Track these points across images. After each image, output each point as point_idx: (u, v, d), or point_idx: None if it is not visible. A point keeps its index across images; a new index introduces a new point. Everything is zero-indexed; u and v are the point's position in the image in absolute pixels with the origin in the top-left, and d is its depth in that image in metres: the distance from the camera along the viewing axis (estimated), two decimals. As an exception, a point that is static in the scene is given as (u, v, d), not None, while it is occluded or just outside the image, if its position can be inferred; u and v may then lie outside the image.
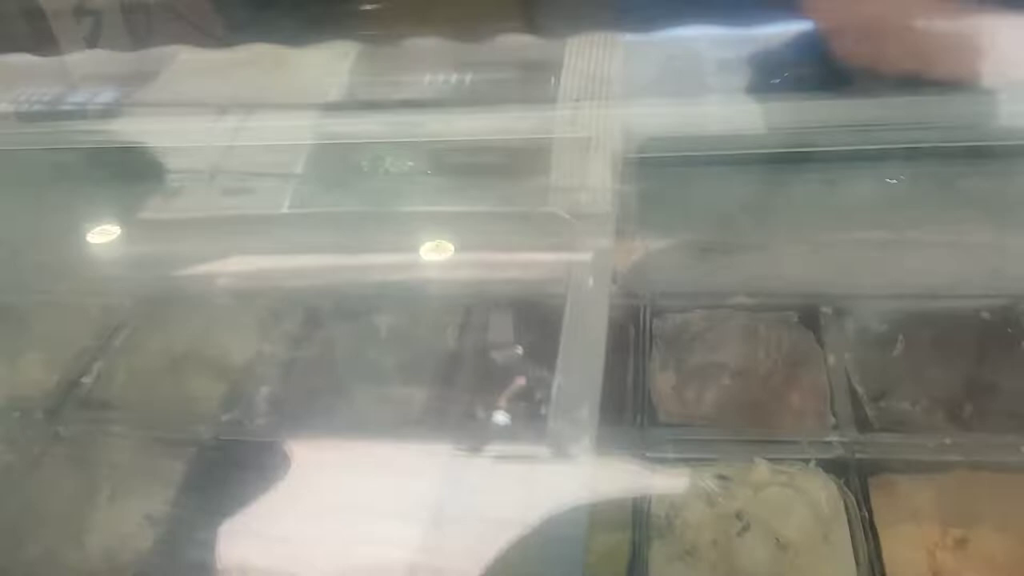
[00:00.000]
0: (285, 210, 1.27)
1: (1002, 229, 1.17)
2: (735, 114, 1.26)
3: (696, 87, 1.30)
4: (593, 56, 1.34)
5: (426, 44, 1.41)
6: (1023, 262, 1.18)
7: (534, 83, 1.33)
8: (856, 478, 1.01)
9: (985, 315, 1.21)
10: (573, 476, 0.77)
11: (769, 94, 1.26)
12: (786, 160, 1.23)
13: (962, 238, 1.19)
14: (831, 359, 1.16)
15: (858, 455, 1.03)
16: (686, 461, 1.06)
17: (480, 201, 1.25)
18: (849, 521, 0.96)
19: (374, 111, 1.33)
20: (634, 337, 1.25)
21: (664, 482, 1.02)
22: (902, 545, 1.07)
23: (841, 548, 0.93)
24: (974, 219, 1.17)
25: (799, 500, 0.95)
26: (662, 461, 1.06)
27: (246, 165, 1.34)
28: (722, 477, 1.03)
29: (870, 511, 0.98)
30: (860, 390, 1.13)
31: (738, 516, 0.94)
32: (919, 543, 1.08)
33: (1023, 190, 1.13)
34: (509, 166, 1.25)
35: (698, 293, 1.28)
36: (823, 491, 0.97)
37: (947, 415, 1.32)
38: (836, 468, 1.03)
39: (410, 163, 1.24)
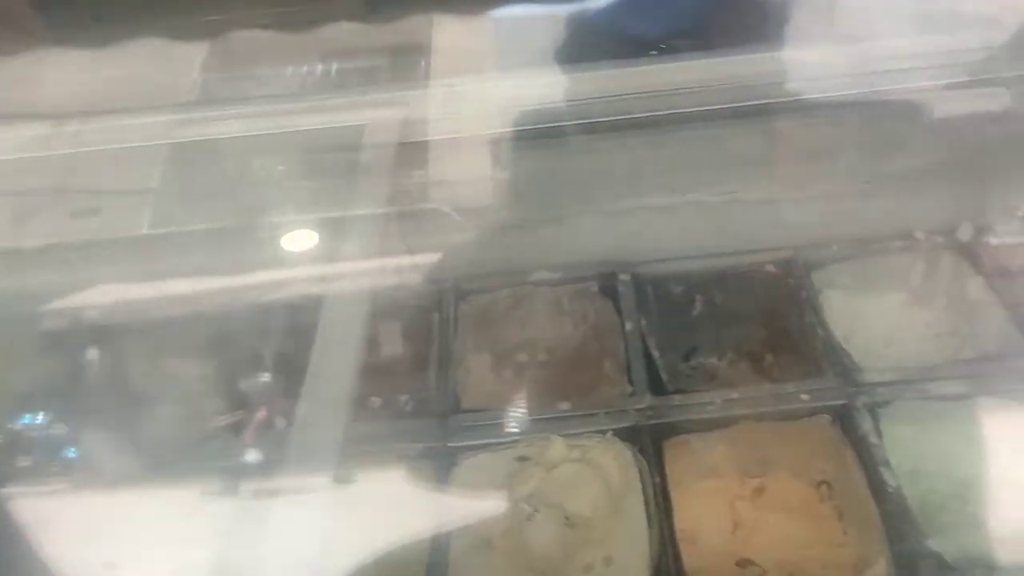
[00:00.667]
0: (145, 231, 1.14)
1: (777, 183, 1.21)
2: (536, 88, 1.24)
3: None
4: (461, 35, 1.28)
5: (270, 36, 1.30)
6: (798, 214, 1.23)
7: (404, 68, 1.26)
8: (650, 444, 1.03)
9: (770, 268, 1.26)
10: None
11: (565, 67, 1.26)
12: (577, 131, 1.23)
13: (742, 196, 1.22)
14: (628, 326, 1.18)
15: (652, 421, 1.05)
16: (487, 446, 1.05)
17: (358, 203, 1.18)
18: (643, 487, 0.98)
19: (235, 106, 1.19)
20: (439, 323, 1.24)
21: (462, 473, 1.02)
22: (703, 500, 1.11)
23: (634, 516, 0.95)
24: (751, 176, 1.21)
25: (590, 474, 0.96)
26: (463, 450, 1.05)
27: (95, 181, 1.20)
28: (522, 458, 1.03)
29: (663, 475, 1.01)
30: (656, 354, 1.15)
31: (528, 501, 0.95)
32: (720, 496, 1.12)
33: (792, 145, 1.17)
34: (386, 162, 1.18)
35: (500, 272, 1.28)
36: (615, 461, 0.98)
37: (751, 367, 1.38)
38: (632, 436, 1.04)
39: (280, 167, 1.12)
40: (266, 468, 0.80)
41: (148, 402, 0.83)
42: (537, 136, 1.20)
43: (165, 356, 0.86)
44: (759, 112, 1.17)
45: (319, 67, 1.29)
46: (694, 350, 1.38)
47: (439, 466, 1.04)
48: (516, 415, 1.08)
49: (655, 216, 1.23)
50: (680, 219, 1.23)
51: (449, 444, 1.05)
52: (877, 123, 1.15)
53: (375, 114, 1.10)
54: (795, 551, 1.07)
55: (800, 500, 1.10)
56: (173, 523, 0.71)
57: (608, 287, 1.26)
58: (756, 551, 1.08)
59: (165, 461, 0.76)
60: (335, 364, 0.80)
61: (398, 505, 0.88)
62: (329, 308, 0.81)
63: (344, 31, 1.29)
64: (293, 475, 0.69)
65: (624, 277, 1.25)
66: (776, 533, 1.09)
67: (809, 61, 1.09)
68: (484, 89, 1.18)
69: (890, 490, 0.93)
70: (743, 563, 1.06)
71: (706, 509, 1.10)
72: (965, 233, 1.22)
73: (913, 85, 1.13)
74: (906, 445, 1.02)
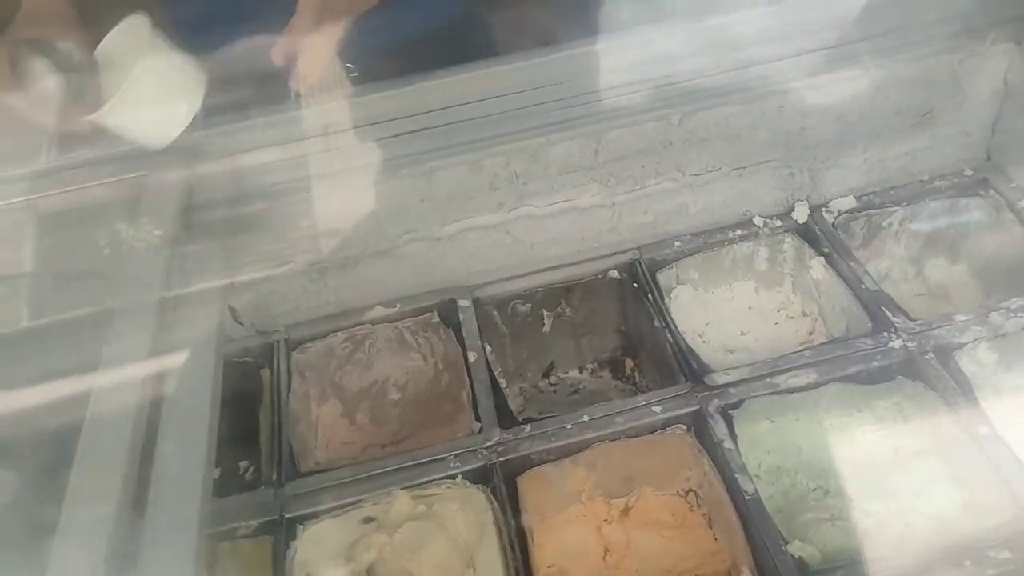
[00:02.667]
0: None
1: (609, 188, 1.17)
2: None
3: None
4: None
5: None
6: (632, 215, 1.19)
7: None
8: (502, 482, 0.96)
9: (615, 274, 1.22)
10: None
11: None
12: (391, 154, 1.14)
13: (573, 203, 1.17)
14: (472, 357, 1.11)
15: (503, 457, 0.98)
16: (329, 511, 0.97)
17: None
18: (498, 534, 0.91)
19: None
20: (270, 380, 1.14)
21: (303, 546, 0.93)
22: (569, 530, 1.05)
23: (488, 566, 0.88)
24: (582, 183, 1.16)
25: (435, 531, 0.89)
26: (303, 518, 0.96)
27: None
28: (368, 519, 0.95)
29: (519, 512, 0.94)
30: (503, 383, 1.09)
31: (369, 572, 0.87)
32: (586, 523, 1.06)
33: (616, 146, 1.13)
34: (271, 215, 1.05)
35: (333, 315, 1.19)
36: (462, 512, 0.91)
37: (613, 375, 1.34)
38: (483, 476, 0.98)
39: (157, 231, 0.94)
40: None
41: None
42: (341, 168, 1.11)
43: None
44: (579, 116, 1.12)
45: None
46: (552, 366, 1.33)
47: (278, 540, 0.94)
48: (358, 471, 1.00)
49: (487, 235, 1.17)
50: (514, 235, 1.17)
51: (287, 515, 0.96)
52: (695, 115, 1.12)
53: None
54: (670, 566, 1.03)
55: (669, 513, 1.06)
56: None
57: (450, 315, 1.19)
58: (632, 574, 1.03)
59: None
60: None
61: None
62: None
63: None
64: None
65: (464, 303, 1.18)
66: (648, 551, 1.04)
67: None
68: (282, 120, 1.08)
69: (748, 497, 0.89)
70: (617, 591, 1.00)
71: (573, 539, 1.04)
72: (801, 214, 1.20)
73: (731, 67, 1.09)
74: (763, 443, 0.99)
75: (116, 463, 0.62)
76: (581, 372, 1.34)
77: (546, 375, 1.34)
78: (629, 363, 1.32)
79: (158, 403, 0.69)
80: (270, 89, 1.01)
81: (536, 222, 1.18)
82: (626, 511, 1.07)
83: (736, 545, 0.91)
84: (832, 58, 1.08)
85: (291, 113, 1.02)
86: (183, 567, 0.57)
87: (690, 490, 1.06)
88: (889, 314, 1.04)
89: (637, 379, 1.30)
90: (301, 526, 0.95)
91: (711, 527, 1.03)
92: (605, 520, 1.06)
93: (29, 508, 0.69)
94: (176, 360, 0.73)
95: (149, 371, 0.72)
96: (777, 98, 1.12)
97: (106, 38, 0.93)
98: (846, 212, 1.19)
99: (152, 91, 0.89)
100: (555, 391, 1.34)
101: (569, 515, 1.05)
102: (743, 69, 1.08)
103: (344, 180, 1.11)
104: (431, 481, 0.98)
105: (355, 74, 1.05)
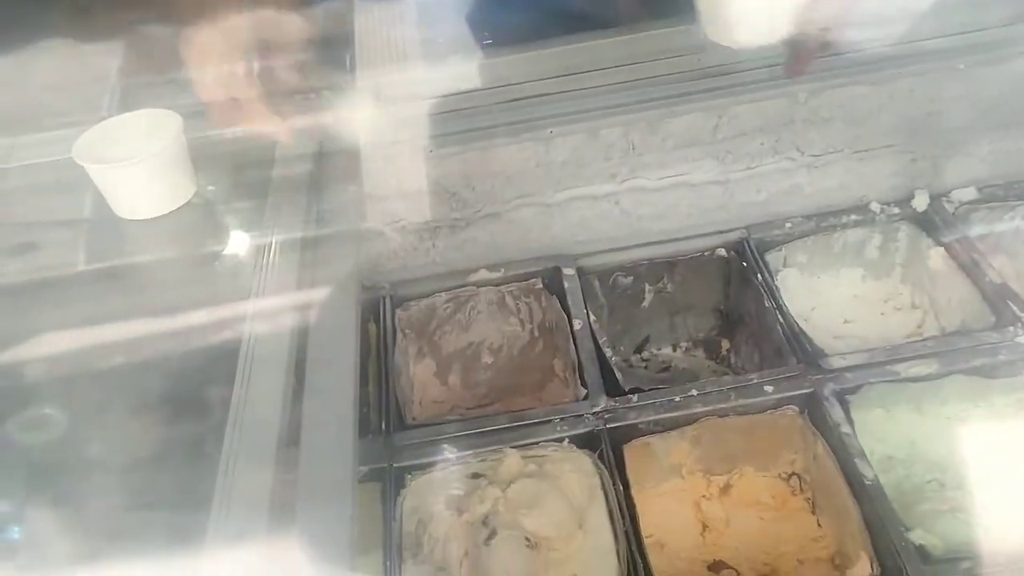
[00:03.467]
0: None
1: (724, 164, 1.15)
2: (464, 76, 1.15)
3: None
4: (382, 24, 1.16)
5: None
6: (745, 193, 1.17)
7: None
8: (609, 448, 0.96)
9: (722, 252, 1.20)
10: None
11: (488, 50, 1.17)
12: (509, 119, 1.14)
13: (687, 178, 1.16)
14: (577, 324, 1.10)
15: (610, 424, 0.98)
16: (436, 464, 0.97)
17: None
18: (606, 498, 0.91)
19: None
20: (377, 335, 1.15)
21: (411, 495, 0.94)
22: (668, 503, 1.05)
23: (598, 530, 0.88)
24: (697, 158, 1.14)
25: (549, 490, 0.89)
26: (411, 469, 0.97)
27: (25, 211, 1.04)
28: (475, 475, 0.96)
29: (625, 482, 0.94)
30: (609, 352, 1.08)
31: (484, 522, 0.87)
32: (685, 498, 1.06)
33: (737, 122, 1.11)
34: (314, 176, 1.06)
35: (438, 275, 1.20)
36: (574, 473, 0.91)
37: (707, 355, 1.32)
38: (589, 442, 0.98)
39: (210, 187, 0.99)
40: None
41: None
42: (466, 128, 1.12)
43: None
44: (703, 89, 1.10)
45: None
46: (646, 341, 1.32)
47: (387, 487, 0.95)
48: (465, 427, 1.00)
49: (596, 204, 1.16)
50: (622, 206, 1.16)
51: (395, 464, 0.97)
52: (821, 93, 1.10)
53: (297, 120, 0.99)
54: (769, 548, 1.02)
55: (770, 495, 1.05)
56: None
57: (553, 282, 1.19)
58: (728, 552, 1.02)
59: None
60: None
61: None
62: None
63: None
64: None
65: (569, 271, 1.18)
66: (747, 531, 1.03)
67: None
68: (411, 81, 1.09)
69: (868, 483, 0.87)
70: (715, 566, 1.00)
71: (672, 513, 1.04)
72: (921, 202, 1.17)
73: (859, 52, 1.07)
74: (878, 431, 0.97)
75: (273, 390, 0.63)
76: (674, 350, 1.33)
77: (639, 350, 1.33)
78: (725, 344, 1.30)
79: (306, 336, 0.70)
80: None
81: (646, 195, 1.17)
82: (726, 489, 1.06)
83: (850, 531, 0.90)
84: (974, 42, 1.05)
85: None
86: (342, 498, 0.58)
87: (793, 474, 1.05)
88: (1016, 309, 1.01)
89: (732, 360, 1.29)
90: (410, 475, 0.96)
91: (814, 512, 1.02)
92: (704, 496, 1.06)
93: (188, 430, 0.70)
94: (320, 295, 0.74)
95: (297, 303, 0.73)
96: (908, 80, 1.09)
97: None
98: (967, 203, 1.16)
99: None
100: (646, 367, 1.33)
101: (669, 488, 1.05)
102: (877, 49, 1.06)
103: (466, 142, 1.11)
104: (537, 443, 0.98)
105: (489, 42, 1.05)
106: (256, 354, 0.67)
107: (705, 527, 1.03)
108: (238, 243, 0.92)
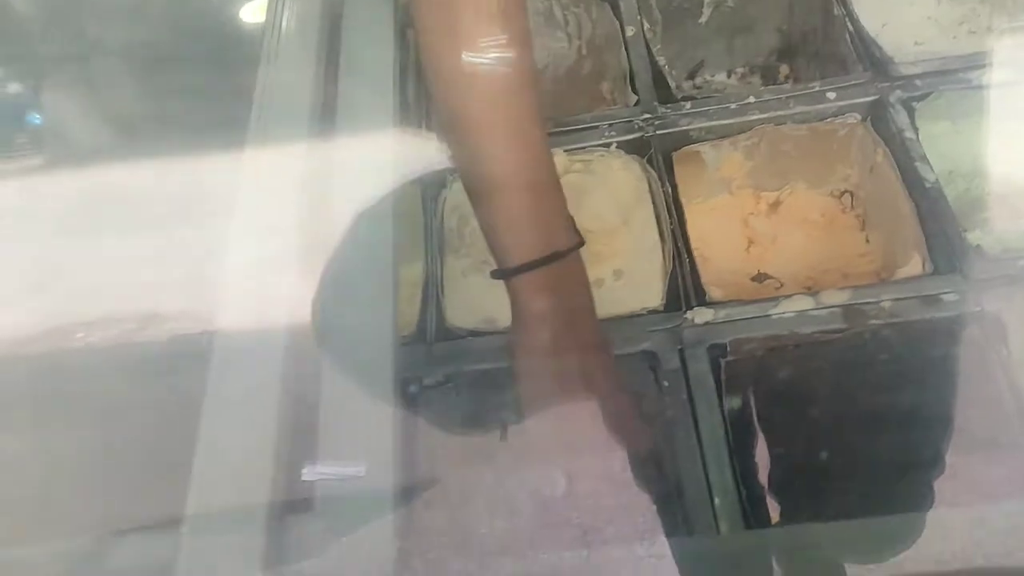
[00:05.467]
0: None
1: None
2: None
3: None
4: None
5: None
6: None
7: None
8: (659, 154, 0.92)
9: (792, -40, 1.11)
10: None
11: None
12: None
13: None
14: (630, 31, 1.04)
15: (660, 130, 0.94)
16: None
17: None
18: (653, 200, 0.89)
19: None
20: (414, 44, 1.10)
21: (452, 196, 0.92)
22: (715, 218, 1.03)
23: (644, 229, 0.86)
24: None
25: (594, 184, 0.86)
26: (452, 171, 0.95)
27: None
28: (519, 176, 0.93)
29: (674, 186, 0.91)
30: (662, 60, 1.03)
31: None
32: (733, 213, 1.03)
33: None
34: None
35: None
36: (622, 172, 0.89)
37: (764, 82, 1.26)
38: (639, 147, 0.94)
39: None
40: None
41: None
42: None
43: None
44: None
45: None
46: (700, 66, 1.25)
47: (427, 189, 0.94)
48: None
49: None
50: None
51: (438, 167, 0.95)
52: None
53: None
54: (814, 264, 1.00)
55: (820, 212, 1.02)
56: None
57: (604, -10, 1.11)
58: (772, 267, 1.01)
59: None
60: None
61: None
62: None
63: None
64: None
65: (623, -23, 1.09)
66: (793, 248, 1.02)
67: None
68: None
69: (928, 185, 0.84)
70: (759, 277, 0.99)
71: (718, 227, 1.02)
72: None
73: None
74: (942, 143, 0.92)
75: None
76: (729, 76, 1.26)
77: (692, 76, 1.27)
78: (784, 69, 1.24)
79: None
80: None
81: None
82: (775, 206, 1.03)
83: (902, 237, 0.88)
84: None
85: None
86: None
87: (846, 191, 1.02)
88: (1110, 15, 0.93)
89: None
90: (450, 176, 0.94)
91: (863, 230, 1.00)
92: (752, 213, 1.03)
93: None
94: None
95: None
96: None
97: None
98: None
99: None
100: (698, 95, 1.28)
101: (717, 203, 1.02)
102: None
103: None
104: (584, 148, 0.94)
105: None
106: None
107: (751, 243, 1.02)
108: None
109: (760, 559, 0.67)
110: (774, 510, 0.75)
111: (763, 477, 0.73)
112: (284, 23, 0.67)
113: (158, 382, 0.58)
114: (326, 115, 0.62)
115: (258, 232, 0.62)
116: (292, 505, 0.47)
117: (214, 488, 0.47)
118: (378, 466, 0.50)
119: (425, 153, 0.95)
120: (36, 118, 0.63)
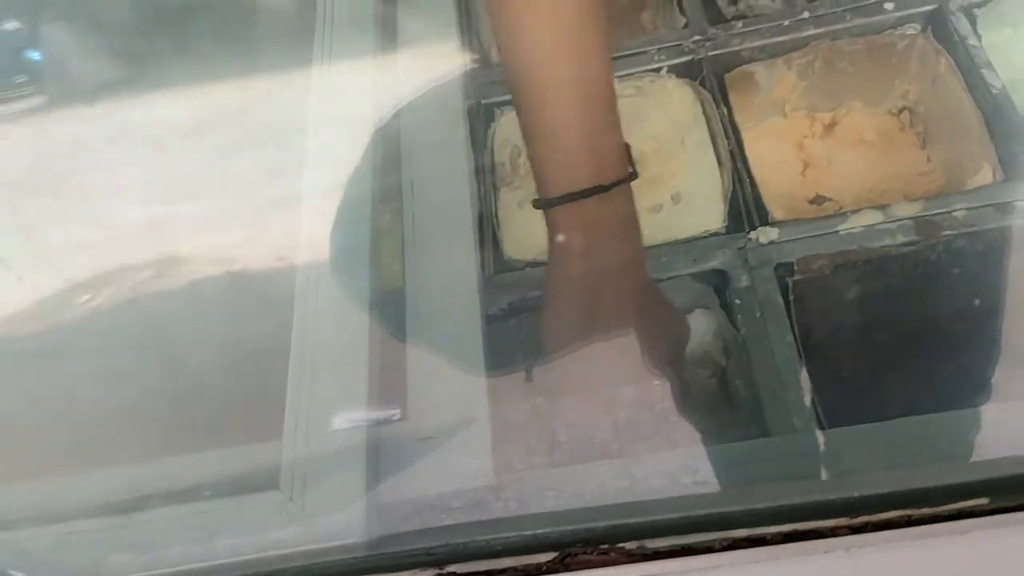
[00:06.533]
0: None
1: None
2: None
3: None
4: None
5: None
6: None
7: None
8: (711, 77, 0.90)
9: None
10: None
11: None
12: None
13: None
14: (675, -47, 1.01)
15: (711, 52, 0.91)
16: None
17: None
18: (708, 121, 0.87)
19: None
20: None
21: (501, 130, 0.91)
22: (769, 141, 1.00)
23: (701, 150, 0.84)
24: None
25: (648, 106, 0.84)
26: (501, 104, 0.93)
27: None
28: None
29: (729, 107, 0.89)
30: (711, -23, 1.00)
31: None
32: (787, 137, 1.01)
33: None
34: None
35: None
36: (675, 93, 0.86)
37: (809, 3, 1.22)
38: (689, 70, 0.92)
39: None
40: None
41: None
42: None
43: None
44: None
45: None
46: (742, -10, 1.22)
47: (475, 124, 0.92)
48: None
49: None
50: None
51: (483, 101, 0.93)
52: None
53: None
54: (872, 185, 0.98)
55: (877, 132, 0.99)
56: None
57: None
58: (829, 189, 0.98)
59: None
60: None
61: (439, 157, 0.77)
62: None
63: None
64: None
65: (665, -102, 1.06)
66: (850, 169, 0.99)
67: None
68: None
69: (995, 92, 0.81)
70: (817, 200, 0.97)
71: (772, 152, 0.99)
72: None
73: None
74: (1006, 51, 0.89)
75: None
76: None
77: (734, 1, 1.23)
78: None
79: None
80: None
81: None
82: (831, 127, 1.01)
83: (969, 149, 0.85)
84: None
85: None
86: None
87: (904, 108, 0.99)
88: None
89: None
90: (499, 110, 0.92)
91: (923, 148, 0.97)
92: (807, 136, 1.01)
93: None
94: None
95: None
96: None
97: None
98: None
99: None
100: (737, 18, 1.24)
101: (770, 127, 1.00)
102: None
103: None
104: (633, 74, 0.92)
105: None
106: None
107: (807, 166, 0.99)
108: None
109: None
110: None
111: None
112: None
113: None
114: (387, 36, 0.60)
115: (318, 164, 0.61)
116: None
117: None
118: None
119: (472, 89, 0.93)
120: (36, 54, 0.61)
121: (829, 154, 1.00)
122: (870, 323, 0.76)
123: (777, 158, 0.99)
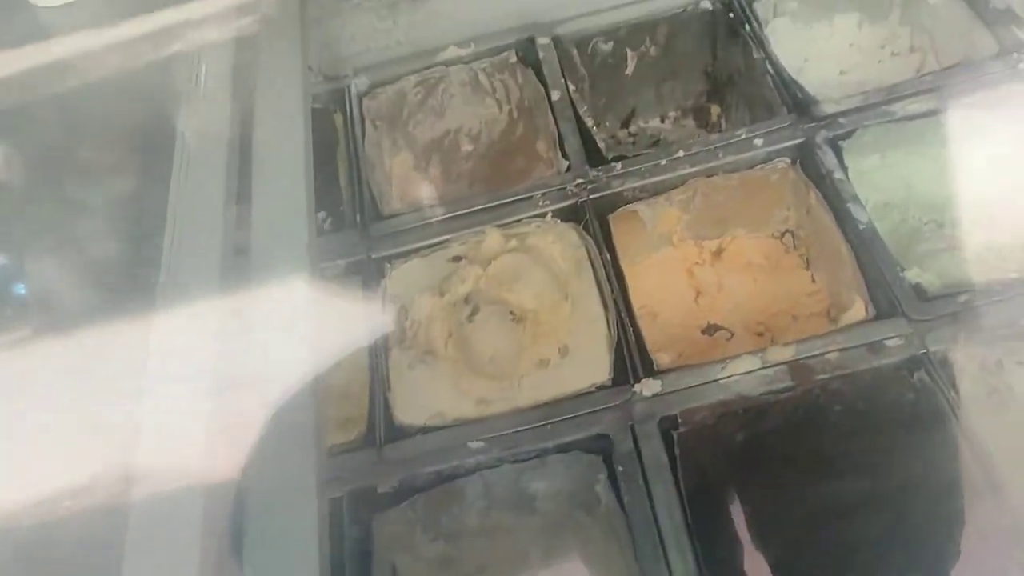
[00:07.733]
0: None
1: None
2: None
3: None
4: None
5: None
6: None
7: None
8: (594, 220, 0.92)
9: (706, 4, 1.11)
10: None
11: None
12: None
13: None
14: (555, 95, 1.04)
15: (593, 195, 0.94)
16: (416, 251, 0.94)
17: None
18: (593, 268, 0.88)
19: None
20: (344, 126, 1.09)
21: (392, 284, 0.91)
22: (660, 273, 1.02)
23: (586, 300, 0.86)
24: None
25: (530, 262, 0.86)
26: (392, 258, 0.94)
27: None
28: (456, 259, 0.92)
29: (613, 252, 0.90)
30: (590, 122, 1.02)
31: (467, 300, 0.84)
32: (677, 266, 1.03)
33: None
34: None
35: (404, 57, 1.12)
36: (557, 244, 0.88)
37: (698, 124, 1.26)
38: (574, 214, 0.94)
39: None
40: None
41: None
42: None
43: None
44: None
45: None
46: (632, 114, 1.26)
47: (366, 279, 0.93)
48: (442, 212, 0.96)
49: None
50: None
51: (373, 255, 0.94)
52: None
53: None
54: (763, 308, 1.00)
55: (764, 255, 1.02)
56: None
57: (528, 55, 1.11)
58: (722, 315, 1.00)
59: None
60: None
61: (329, 326, 0.77)
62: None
63: None
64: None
65: (543, 40, 1.10)
66: (741, 294, 1.01)
67: None
68: None
69: (862, 227, 0.84)
70: (709, 329, 0.98)
71: (663, 282, 1.02)
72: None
73: None
74: (871, 180, 0.92)
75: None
76: (663, 121, 1.27)
77: (625, 124, 1.27)
78: (715, 110, 1.24)
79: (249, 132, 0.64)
80: None
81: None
82: (718, 254, 1.03)
83: (844, 280, 0.87)
84: None
85: None
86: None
87: (786, 231, 1.02)
88: (1020, 33, 0.94)
89: (723, 127, 1.23)
90: (389, 265, 0.93)
91: (808, 268, 0.99)
92: (696, 263, 1.03)
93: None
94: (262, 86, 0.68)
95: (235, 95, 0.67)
96: None
97: None
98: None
99: None
100: (634, 142, 1.28)
101: (660, 258, 1.02)
102: None
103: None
104: (519, 220, 0.94)
105: None
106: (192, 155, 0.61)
107: (699, 293, 1.01)
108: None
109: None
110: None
111: (728, 557, 0.72)
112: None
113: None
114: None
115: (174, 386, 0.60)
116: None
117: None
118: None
119: (363, 245, 0.94)
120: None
121: (720, 279, 1.02)
122: (755, 469, 0.77)
123: (670, 288, 1.01)
